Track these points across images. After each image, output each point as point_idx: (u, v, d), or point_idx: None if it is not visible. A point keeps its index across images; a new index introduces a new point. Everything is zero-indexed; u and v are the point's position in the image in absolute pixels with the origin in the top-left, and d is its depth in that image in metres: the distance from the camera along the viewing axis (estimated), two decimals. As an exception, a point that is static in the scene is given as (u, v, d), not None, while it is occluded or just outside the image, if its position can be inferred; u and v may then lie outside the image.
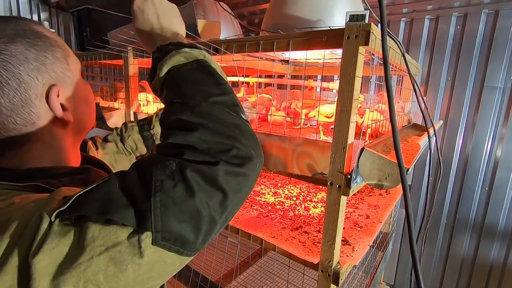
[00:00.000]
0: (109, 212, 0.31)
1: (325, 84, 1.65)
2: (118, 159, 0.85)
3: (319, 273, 0.75)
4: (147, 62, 1.47)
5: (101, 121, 1.20)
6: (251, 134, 0.41)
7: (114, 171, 0.49)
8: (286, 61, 1.09)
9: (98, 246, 0.30)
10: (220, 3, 1.38)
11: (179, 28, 0.54)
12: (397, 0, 1.64)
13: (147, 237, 0.31)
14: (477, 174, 1.62)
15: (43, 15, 2.34)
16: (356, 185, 0.69)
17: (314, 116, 1.22)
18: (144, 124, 0.92)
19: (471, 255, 1.69)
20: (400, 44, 0.83)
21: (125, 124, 0.92)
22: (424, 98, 1.60)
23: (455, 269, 1.74)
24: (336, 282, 0.72)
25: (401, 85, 1.32)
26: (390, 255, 1.52)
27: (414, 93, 1.01)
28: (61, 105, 0.43)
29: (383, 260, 1.33)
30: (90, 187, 0.33)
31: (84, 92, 0.49)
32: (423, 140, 0.73)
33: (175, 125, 0.39)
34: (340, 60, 0.64)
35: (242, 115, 0.42)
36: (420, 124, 1.31)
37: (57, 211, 0.30)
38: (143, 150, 0.91)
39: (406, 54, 0.85)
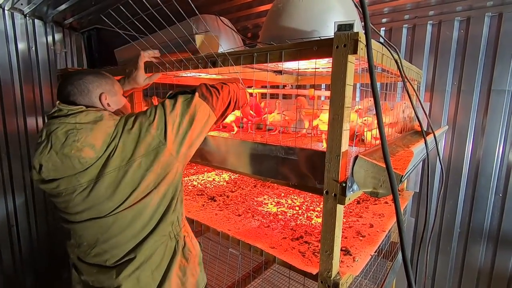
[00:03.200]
0: (185, 93, 0.88)
1: (327, 93, 1.65)
2: None
3: (319, 284, 0.74)
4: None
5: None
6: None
7: None
8: (280, 72, 1.10)
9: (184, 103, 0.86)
10: (221, 17, 1.42)
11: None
12: (399, 6, 1.64)
13: (196, 96, 0.87)
14: (490, 181, 1.56)
15: (57, 36, 2.46)
16: (353, 193, 0.68)
17: (317, 125, 1.22)
18: None
19: (488, 265, 1.61)
20: (396, 51, 0.83)
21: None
22: (428, 103, 1.58)
23: (471, 279, 1.67)
24: (335, 293, 0.71)
25: (404, 91, 1.30)
26: (400, 265, 1.47)
27: (416, 99, 1.01)
28: (107, 104, 0.88)
29: (392, 270, 1.29)
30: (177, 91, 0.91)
31: (119, 100, 0.93)
32: (418, 147, 0.71)
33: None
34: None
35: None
36: (426, 130, 1.29)
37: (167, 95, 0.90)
38: None
39: (403, 60, 0.85)
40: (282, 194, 1.33)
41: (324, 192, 0.70)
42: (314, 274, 0.73)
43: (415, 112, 0.76)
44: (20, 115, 2.33)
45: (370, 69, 0.51)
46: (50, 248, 2.58)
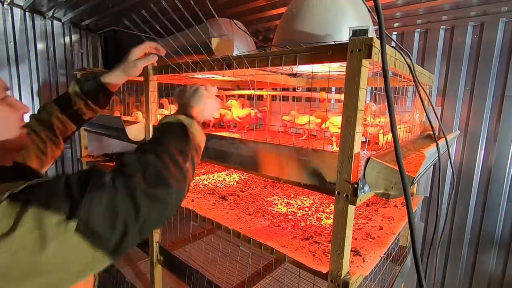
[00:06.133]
0: (51, 200, 0.41)
1: (337, 96, 1.67)
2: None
3: (328, 283, 0.75)
4: (165, 78, 1.56)
5: (122, 132, 1.28)
6: (181, 177, 0.56)
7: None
8: (294, 75, 1.12)
9: (32, 223, 0.38)
10: (235, 21, 1.45)
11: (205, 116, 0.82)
12: (411, 11, 1.64)
13: (73, 223, 0.40)
14: (502, 187, 1.54)
15: (74, 37, 2.54)
16: (364, 195, 0.70)
17: (328, 127, 1.24)
18: (64, 105, 0.91)
19: (499, 273, 1.59)
20: (408, 55, 0.84)
21: (45, 109, 0.90)
22: (439, 108, 1.57)
23: (481, 287, 1.65)
24: (345, 292, 0.72)
25: (415, 96, 1.31)
26: (409, 270, 1.46)
27: (429, 103, 1.01)
28: None
29: (400, 274, 1.29)
30: (40, 180, 0.43)
31: None
32: (430, 150, 0.72)
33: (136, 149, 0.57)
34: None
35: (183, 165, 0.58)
36: (437, 134, 1.29)
37: (9, 192, 0.39)
38: (73, 127, 0.93)
39: (415, 65, 0.86)
40: (292, 195, 1.35)
41: (336, 192, 0.71)
42: (324, 273, 0.75)
43: (427, 116, 0.77)
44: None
45: (384, 73, 0.53)
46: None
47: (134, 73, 0.99)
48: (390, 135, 0.98)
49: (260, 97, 2.31)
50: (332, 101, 1.90)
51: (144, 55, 1.02)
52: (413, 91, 1.46)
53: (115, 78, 0.97)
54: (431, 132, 1.33)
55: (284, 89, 2.26)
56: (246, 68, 0.90)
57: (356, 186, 0.68)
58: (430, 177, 1.56)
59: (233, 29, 1.42)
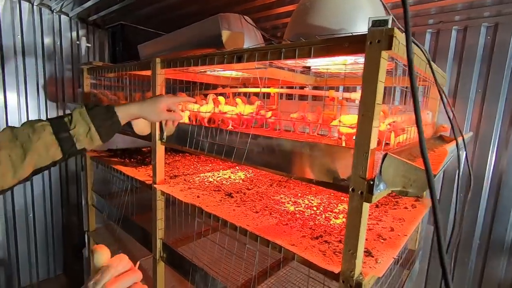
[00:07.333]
0: None
1: (346, 95, 1.64)
2: None
3: (340, 284, 0.72)
4: (173, 74, 1.55)
5: (128, 126, 1.26)
6: None
7: None
8: (308, 68, 1.09)
9: None
10: (244, 16, 1.43)
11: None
12: (422, 11, 1.61)
13: None
14: (513, 192, 1.51)
15: (81, 32, 2.53)
16: (379, 192, 0.67)
17: (337, 125, 1.21)
18: (61, 124, 0.76)
19: (509, 280, 1.55)
20: (425, 51, 0.82)
21: (30, 125, 0.74)
22: (453, 108, 1.54)
23: (490, 294, 1.61)
24: (358, 294, 0.69)
25: (427, 96, 1.28)
26: (417, 274, 1.43)
27: (441, 103, 0.98)
28: None
29: (409, 278, 1.25)
30: None
31: None
32: (451, 147, 0.70)
33: None
34: (362, 69, 0.65)
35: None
36: (449, 136, 1.26)
37: None
38: (56, 155, 0.76)
39: (432, 62, 0.83)
40: (299, 195, 1.32)
41: (350, 189, 0.69)
42: (336, 273, 0.72)
43: (448, 116, 0.75)
44: (42, 108, 2.40)
45: (409, 62, 0.50)
46: (63, 239, 2.63)
47: (153, 120, 0.94)
48: (401, 136, 0.95)
49: (267, 96, 2.29)
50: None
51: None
52: (424, 90, 1.44)
53: (127, 114, 0.88)
54: (443, 133, 1.30)
55: (290, 88, 2.24)
56: (258, 60, 0.88)
57: (372, 183, 0.65)
58: (440, 180, 1.53)
59: (243, 24, 1.41)
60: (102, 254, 0.56)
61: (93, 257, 0.56)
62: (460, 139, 0.76)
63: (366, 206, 0.68)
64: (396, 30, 0.61)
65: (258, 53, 0.88)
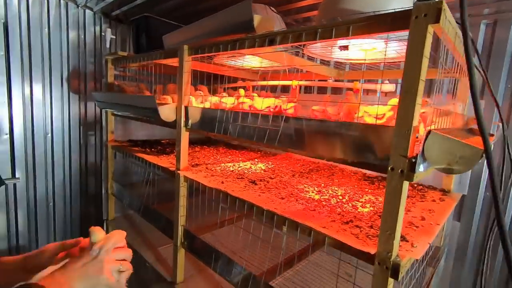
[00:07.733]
0: None
1: (371, 86, 1.62)
2: None
3: (375, 266, 0.71)
4: (199, 66, 1.57)
5: (153, 112, 1.28)
6: None
7: None
8: (345, 47, 1.06)
9: None
10: (270, 7, 1.44)
11: None
12: (449, 4, 1.57)
13: None
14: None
15: (104, 26, 2.59)
16: (421, 171, 0.65)
17: (362, 116, 1.20)
18: None
19: (538, 283, 1.49)
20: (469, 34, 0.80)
21: None
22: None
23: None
24: (395, 276, 0.68)
25: (456, 88, 1.25)
26: (442, 270, 1.39)
27: (490, 92, 0.96)
28: None
29: (435, 275, 1.22)
30: None
31: None
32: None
33: None
34: (397, 60, 0.64)
35: None
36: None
37: None
38: None
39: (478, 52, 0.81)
40: (322, 185, 1.31)
41: (389, 168, 0.67)
42: (372, 254, 0.70)
43: (497, 108, 0.72)
44: (65, 100, 2.46)
45: (464, 31, 0.49)
46: (80, 227, 2.67)
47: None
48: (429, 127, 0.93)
49: (286, 90, 2.29)
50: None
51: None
52: (452, 82, 1.40)
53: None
54: (473, 126, 1.26)
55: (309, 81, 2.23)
56: (292, 42, 0.87)
57: (414, 160, 0.64)
58: (469, 173, 1.49)
59: (269, 14, 1.41)
60: (100, 231, 0.69)
61: (91, 236, 0.69)
62: (491, 139, 0.74)
63: (406, 185, 0.67)
64: (444, 4, 0.60)
65: (292, 34, 0.88)
